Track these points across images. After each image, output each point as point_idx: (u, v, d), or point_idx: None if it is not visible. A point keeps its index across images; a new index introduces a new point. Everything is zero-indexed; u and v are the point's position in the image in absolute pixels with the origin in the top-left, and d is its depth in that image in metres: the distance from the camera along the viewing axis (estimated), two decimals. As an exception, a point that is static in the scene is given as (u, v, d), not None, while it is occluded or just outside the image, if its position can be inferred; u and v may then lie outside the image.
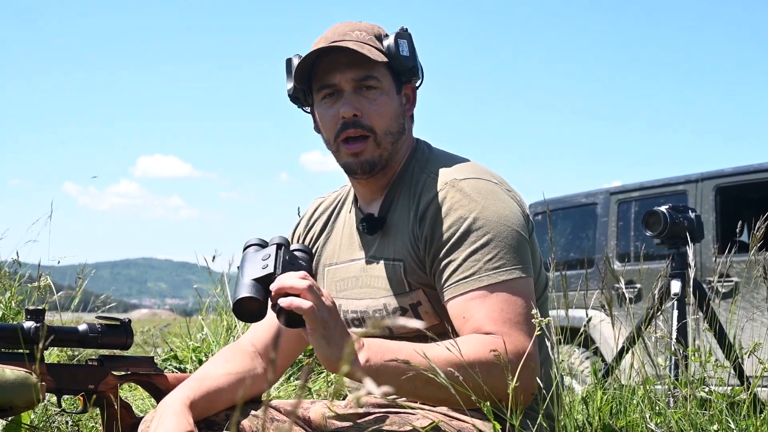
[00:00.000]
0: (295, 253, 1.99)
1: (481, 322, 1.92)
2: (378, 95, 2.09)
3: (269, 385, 2.22)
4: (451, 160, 2.14)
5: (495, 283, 1.94)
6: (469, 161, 2.14)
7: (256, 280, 1.87)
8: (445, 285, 1.99)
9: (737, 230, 3.33)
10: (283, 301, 1.77)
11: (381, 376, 1.83)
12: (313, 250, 2.30)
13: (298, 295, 1.78)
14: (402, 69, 2.12)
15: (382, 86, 2.09)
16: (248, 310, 1.85)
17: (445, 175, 2.07)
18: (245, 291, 1.84)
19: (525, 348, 1.89)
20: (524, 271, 1.98)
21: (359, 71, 2.07)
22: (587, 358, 6.21)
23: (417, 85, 2.19)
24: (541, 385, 1.94)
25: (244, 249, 2.02)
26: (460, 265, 1.97)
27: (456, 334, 1.96)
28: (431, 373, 1.81)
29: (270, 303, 1.84)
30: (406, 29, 2.14)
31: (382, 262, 2.12)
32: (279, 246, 1.94)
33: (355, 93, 2.08)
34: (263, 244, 2.00)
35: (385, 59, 2.08)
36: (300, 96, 2.19)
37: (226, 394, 2.07)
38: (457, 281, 1.97)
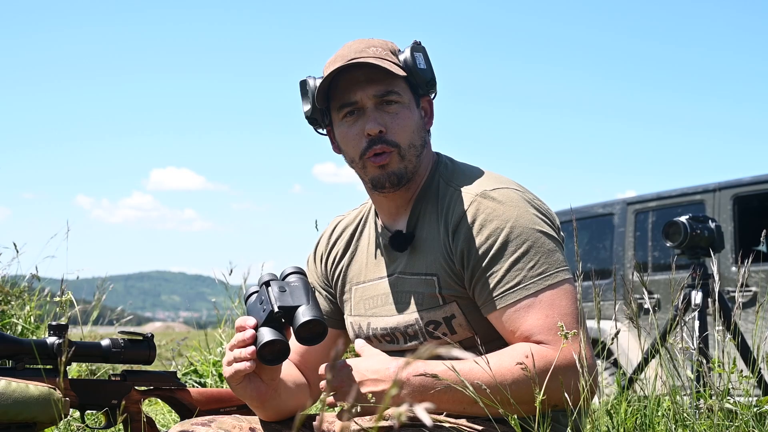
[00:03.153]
0: (288, 278, 2.02)
1: (531, 331, 1.94)
2: (400, 109, 2.08)
3: (306, 407, 2.25)
4: (476, 172, 2.14)
5: (541, 289, 1.96)
6: (493, 173, 2.14)
7: (264, 324, 1.92)
8: (490, 297, 1.99)
9: (762, 239, 3.30)
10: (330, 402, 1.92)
11: (415, 394, 1.91)
12: (338, 270, 2.30)
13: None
14: (420, 82, 2.10)
15: (402, 100, 2.08)
16: (274, 352, 1.91)
17: (474, 187, 2.07)
18: (266, 337, 1.90)
19: (574, 352, 1.91)
20: (567, 273, 2.00)
21: (380, 87, 2.06)
22: (606, 369, 6.18)
23: (432, 97, 2.18)
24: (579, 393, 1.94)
25: (245, 301, 2.07)
26: (504, 276, 1.98)
27: (499, 345, 1.99)
28: (464, 389, 1.86)
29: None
30: (419, 42, 2.13)
31: (413, 277, 2.12)
32: (266, 283, 1.98)
33: (377, 109, 2.07)
34: (257, 289, 2.05)
35: (404, 73, 2.07)
36: (318, 117, 2.17)
37: (287, 394, 2.14)
38: (503, 292, 1.97)
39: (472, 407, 1.89)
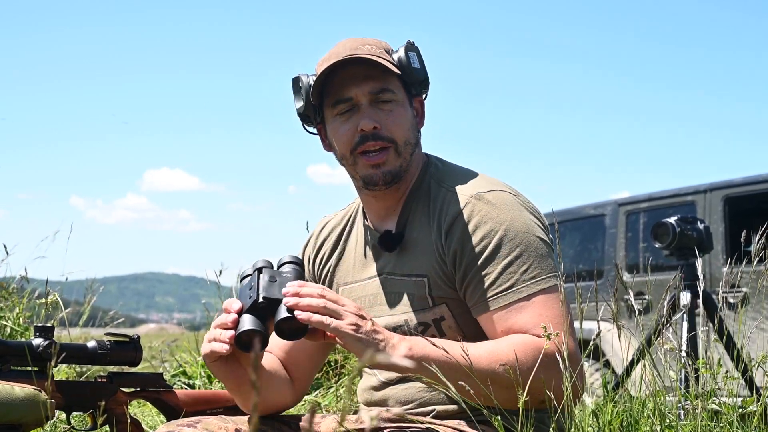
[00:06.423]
0: (282, 268, 2.00)
1: (526, 327, 1.95)
2: (395, 107, 2.09)
3: (288, 405, 2.25)
4: (467, 173, 2.15)
5: (533, 292, 1.97)
6: (485, 175, 2.15)
7: (248, 311, 1.91)
8: (483, 298, 2.00)
9: (742, 240, 3.32)
10: (301, 317, 1.83)
11: (423, 368, 1.87)
12: (325, 270, 2.30)
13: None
14: (414, 81, 2.12)
15: (397, 98, 2.09)
16: (250, 340, 1.90)
17: (467, 188, 2.08)
18: (245, 325, 1.89)
19: (570, 348, 1.93)
20: (557, 279, 2.02)
21: (375, 84, 2.07)
22: (597, 370, 6.19)
23: (423, 98, 2.19)
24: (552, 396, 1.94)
25: (240, 281, 2.06)
26: (497, 278, 1.99)
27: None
28: (469, 369, 1.86)
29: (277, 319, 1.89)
30: (413, 42, 2.14)
31: (402, 278, 2.12)
32: (259, 270, 1.97)
33: (372, 106, 2.07)
34: (251, 273, 2.02)
35: (400, 71, 2.08)
36: (310, 114, 2.18)
37: (270, 387, 2.16)
38: (496, 294, 1.99)
39: (464, 392, 1.88)
